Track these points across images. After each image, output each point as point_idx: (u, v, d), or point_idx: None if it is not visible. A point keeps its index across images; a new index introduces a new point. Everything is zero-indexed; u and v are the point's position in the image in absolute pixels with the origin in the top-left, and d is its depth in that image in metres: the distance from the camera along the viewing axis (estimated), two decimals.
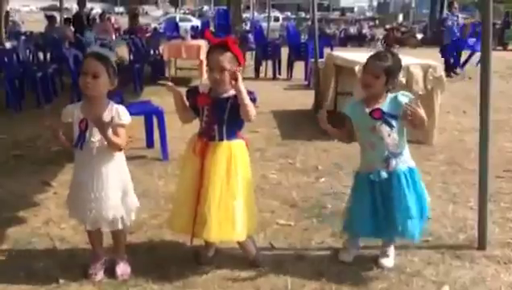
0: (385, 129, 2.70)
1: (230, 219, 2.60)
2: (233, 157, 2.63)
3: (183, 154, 2.86)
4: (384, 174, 2.70)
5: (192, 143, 2.71)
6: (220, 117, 2.61)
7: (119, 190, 2.64)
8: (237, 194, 2.62)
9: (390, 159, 2.71)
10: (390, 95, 2.74)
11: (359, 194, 2.84)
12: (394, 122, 2.69)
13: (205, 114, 2.65)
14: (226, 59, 2.55)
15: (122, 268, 2.74)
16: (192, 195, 2.66)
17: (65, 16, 15.74)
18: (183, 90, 2.70)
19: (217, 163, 2.61)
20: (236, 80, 2.47)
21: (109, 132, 2.48)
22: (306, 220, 3.50)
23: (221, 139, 2.64)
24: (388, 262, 2.87)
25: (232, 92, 2.58)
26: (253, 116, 2.55)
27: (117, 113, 2.56)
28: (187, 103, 2.73)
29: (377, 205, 2.74)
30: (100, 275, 2.71)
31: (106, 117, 2.49)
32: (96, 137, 2.53)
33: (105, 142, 2.52)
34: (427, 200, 2.81)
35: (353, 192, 2.91)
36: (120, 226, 2.67)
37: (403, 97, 2.70)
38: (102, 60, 2.51)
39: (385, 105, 2.71)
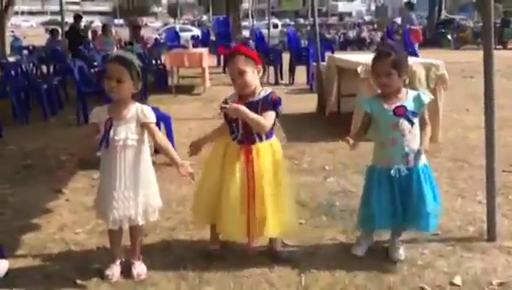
0: (406, 125, 2.74)
1: (284, 211, 2.79)
2: (277, 154, 2.79)
3: (211, 158, 2.91)
4: (404, 170, 2.75)
5: (224, 148, 2.80)
6: (240, 123, 2.71)
7: (142, 189, 2.69)
8: (285, 187, 2.80)
9: (409, 156, 2.75)
10: (412, 93, 2.80)
11: (376, 189, 2.84)
12: (415, 119, 2.75)
13: (241, 121, 2.70)
14: (240, 61, 2.65)
15: (139, 268, 2.79)
16: (241, 199, 2.71)
17: (66, 30, 15.90)
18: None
19: (265, 163, 2.73)
20: (233, 109, 2.59)
21: (173, 153, 2.68)
22: (316, 218, 3.54)
23: (261, 140, 2.75)
24: (399, 254, 2.91)
25: (262, 94, 2.71)
26: (266, 128, 2.67)
27: (142, 112, 2.64)
28: (222, 117, 2.84)
29: (395, 199, 2.78)
30: (116, 276, 2.75)
31: (132, 117, 2.61)
32: (119, 135, 2.59)
33: (128, 142, 2.60)
34: (439, 195, 2.87)
35: (369, 187, 2.91)
36: (140, 223, 2.72)
37: (426, 97, 2.79)
38: (125, 64, 2.58)
39: (407, 102, 2.76)
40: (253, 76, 2.69)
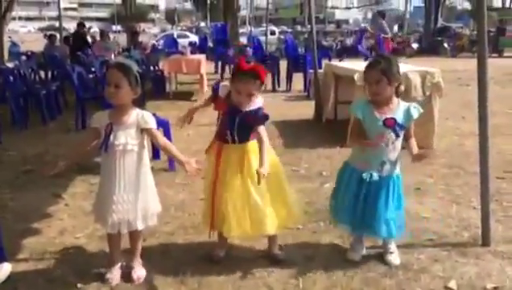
0: (391, 137, 2.82)
1: (251, 216, 2.77)
2: (246, 157, 2.79)
3: (207, 154, 3.01)
4: (376, 176, 2.83)
5: (210, 144, 2.91)
6: (231, 125, 2.77)
7: (141, 193, 2.73)
8: (253, 192, 2.75)
9: (384, 165, 2.84)
10: (403, 105, 2.85)
11: (345, 184, 2.97)
12: (400, 133, 2.82)
13: (220, 118, 2.81)
14: (255, 87, 2.74)
15: (138, 272, 2.83)
16: (209, 192, 2.85)
17: (64, 35, 15.97)
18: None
19: (230, 164, 2.78)
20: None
21: (177, 153, 2.71)
22: (313, 223, 3.59)
23: (234, 142, 2.81)
24: (394, 258, 2.96)
25: (248, 107, 2.77)
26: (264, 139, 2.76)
27: (143, 118, 2.69)
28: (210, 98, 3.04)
29: (359, 199, 2.87)
30: (116, 280, 2.79)
31: (132, 123, 2.66)
32: (119, 140, 2.64)
33: (128, 147, 2.65)
34: (403, 205, 2.98)
35: (339, 180, 3.04)
36: (140, 227, 2.76)
37: (415, 112, 2.84)
38: (124, 71, 2.63)
39: (397, 114, 2.82)
40: (256, 95, 2.79)
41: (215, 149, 2.85)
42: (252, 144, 2.83)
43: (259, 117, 2.78)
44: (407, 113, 2.83)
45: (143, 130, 2.70)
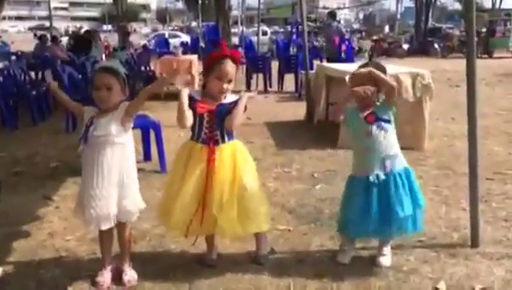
0: (380, 132, 2.84)
1: (246, 214, 2.80)
2: (238, 156, 2.82)
3: (176, 159, 2.92)
4: (382, 175, 2.83)
5: (188, 150, 2.82)
6: (221, 122, 2.77)
7: (123, 188, 2.69)
8: (248, 190, 2.79)
9: (386, 161, 2.85)
10: (382, 99, 2.88)
11: (354, 197, 2.94)
12: (387, 125, 2.85)
13: (206, 121, 2.76)
14: (235, 71, 2.74)
15: (129, 275, 2.82)
16: (196, 198, 2.75)
17: (53, 34, 15.87)
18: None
19: (225, 164, 2.77)
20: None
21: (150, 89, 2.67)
22: (304, 225, 3.60)
23: (224, 142, 2.80)
24: (386, 260, 2.97)
25: (230, 98, 2.78)
26: (239, 124, 2.76)
27: (124, 105, 2.67)
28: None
29: (372, 205, 2.85)
30: (107, 283, 2.78)
31: (118, 113, 2.64)
32: (99, 132, 2.61)
33: (109, 139, 2.61)
34: (422, 198, 2.93)
35: (347, 195, 3.02)
36: (123, 221, 2.75)
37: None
38: (113, 73, 2.63)
39: (377, 108, 2.87)
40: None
41: (205, 154, 2.77)
42: (238, 143, 2.88)
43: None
44: (383, 104, 2.87)
45: (125, 116, 2.64)
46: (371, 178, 2.83)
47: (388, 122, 2.85)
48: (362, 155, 2.92)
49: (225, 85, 2.72)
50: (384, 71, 2.90)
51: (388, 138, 2.86)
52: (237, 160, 2.81)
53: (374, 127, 2.84)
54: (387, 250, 3.03)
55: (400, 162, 2.90)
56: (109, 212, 2.66)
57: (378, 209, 2.84)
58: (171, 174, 2.98)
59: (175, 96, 2.75)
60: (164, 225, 3.02)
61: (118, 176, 2.68)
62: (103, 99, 2.63)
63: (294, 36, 14.56)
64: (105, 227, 2.69)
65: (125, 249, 2.88)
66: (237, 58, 2.78)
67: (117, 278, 2.82)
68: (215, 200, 2.73)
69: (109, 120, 2.63)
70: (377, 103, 2.89)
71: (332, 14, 13.33)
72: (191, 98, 2.76)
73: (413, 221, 2.89)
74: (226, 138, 2.81)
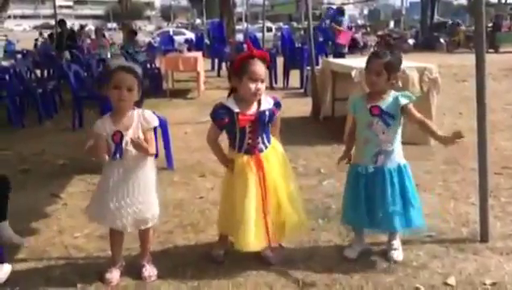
0: (381, 126, 2.81)
1: (299, 212, 2.90)
2: (280, 153, 2.89)
3: (228, 175, 2.89)
4: (371, 168, 2.83)
5: (236, 163, 2.79)
6: (263, 129, 2.78)
7: (147, 196, 2.73)
8: (295, 187, 2.92)
9: (379, 155, 2.83)
10: (393, 94, 2.84)
11: (347, 184, 3.00)
12: (390, 121, 2.80)
13: (248, 131, 2.73)
14: (264, 71, 2.72)
15: (150, 270, 2.83)
16: (259, 208, 2.73)
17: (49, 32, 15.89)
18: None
19: (273, 169, 2.79)
20: None
21: (144, 144, 2.62)
22: (312, 221, 3.58)
23: (267, 147, 2.82)
24: (397, 255, 2.96)
25: (265, 102, 2.78)
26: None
27: (145, 118, 2.68)
28: (217, 125, 2.76)
29: (360, 195, 2.87)
30: (116, 280, 2.78)
31: (136, 126, 2.65)
32: (131, 146, 2.63)
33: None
34: (416, 197, 2.90)
35: (346, 181, 3.05)
36: (151, 224, 2.80)
37: (403, 99, 2.80)
38: (133, 73, 2.62)
39: (385, 102, 2.82)
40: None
41: (254, 163, 2.73)
42: (276, 142, 2.91)
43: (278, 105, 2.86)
44: (396, 101, 2.81)
45: (145, 132, 2.68)
46: (359, 169, 2.85)
47: (392, 117, 2.81)
48: (361, 145, 2.91)
49: (259, 85, 2.68)
50: (400, 62, 2.88)
51: (388, 133, 2.82)
52: (284, 162, 2.89)
53: (376, 120, 2.81)
54: (397, 243, 3.01)
55: (396, 159, 2.86)
56: (150, 215, 2.75)
57: (365, 200, 2.85)
58: (224, 191, 2.97)
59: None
60: (238, 246, 2.80)
61: (145, 185, 2.73)
62: (123, 99, 2.60)
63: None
64: (141, 228, 2.79)
65: (145, 247, 2.90)
66: (265, 57, 2.73)
67: (135, 274, 2.83)
68: (272, 206, 2.77)
69: (134, 134, 2.63)
70: (390, 96, 2.83)
71: (341, 10, 13.31)
72: (228, 110, 2.70)
73: (404, 219, 2.85)
74: (267, 143, 2.82)
